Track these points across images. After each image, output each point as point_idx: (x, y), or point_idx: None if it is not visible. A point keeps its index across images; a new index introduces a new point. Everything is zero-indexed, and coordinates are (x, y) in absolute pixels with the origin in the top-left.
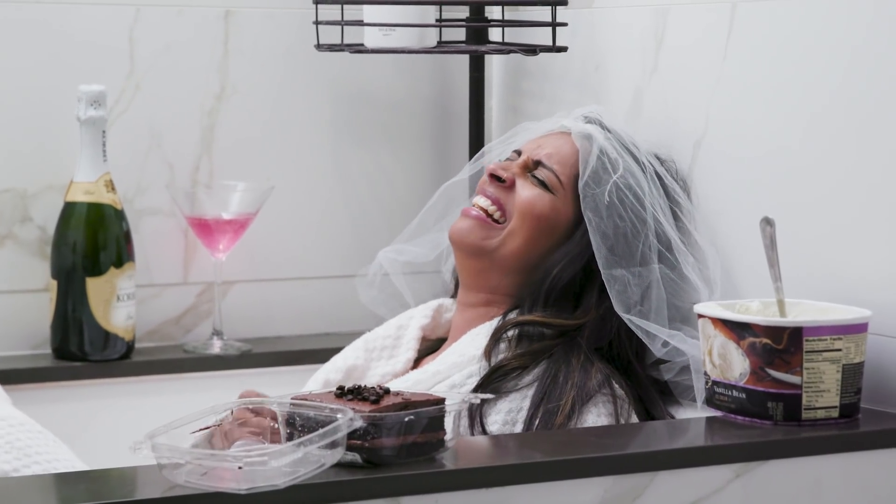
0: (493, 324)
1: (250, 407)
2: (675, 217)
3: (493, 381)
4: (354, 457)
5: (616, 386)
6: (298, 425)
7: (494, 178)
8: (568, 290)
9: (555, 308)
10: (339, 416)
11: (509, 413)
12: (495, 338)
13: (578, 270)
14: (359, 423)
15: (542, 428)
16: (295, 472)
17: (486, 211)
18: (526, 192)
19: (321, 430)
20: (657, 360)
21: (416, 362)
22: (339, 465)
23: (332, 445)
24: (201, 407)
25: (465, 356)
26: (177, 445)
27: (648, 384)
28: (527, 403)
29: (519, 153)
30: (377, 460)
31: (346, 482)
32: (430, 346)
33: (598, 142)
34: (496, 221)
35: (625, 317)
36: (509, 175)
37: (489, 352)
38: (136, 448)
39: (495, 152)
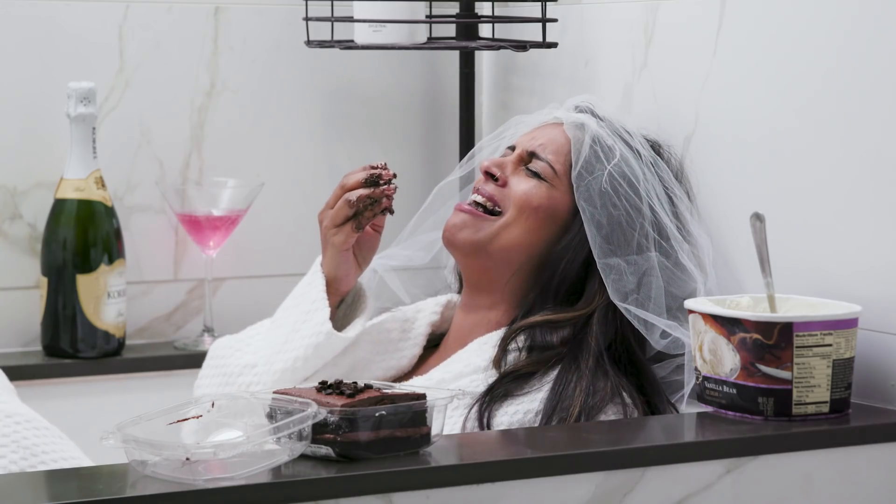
0: (500, 333)
1: None
2: (672, 203)
3: (504, 385)
4: (328, 451)
5: (626, 395)
6: (278, 419)
7: (489, 175)
8: (575, 281)
9: (561, 303)
10: (307, 409)
11: (514, 415)
12: (503, 347)
13: (583, 260)
14: (322, 416)
15: None
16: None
17: (479, 204)
18: (521, 185)
19: (273, 425)
20: (655, 355)
21: (420, 358)
22: (316, 460)
23: (299, 438)
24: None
25: (471, 366)
26: (136, 436)
27: (654, 376)
28: (535, 406)
29: (513, 148)
30: (351, 454)
31: (335, 479)
32: (432, 340)
33: (591, 130)
34: (490, 213)
35: (621, 306)
36: (503, 175)
37: (499, 361)
38: (103, 438)
39: (488, 149)
